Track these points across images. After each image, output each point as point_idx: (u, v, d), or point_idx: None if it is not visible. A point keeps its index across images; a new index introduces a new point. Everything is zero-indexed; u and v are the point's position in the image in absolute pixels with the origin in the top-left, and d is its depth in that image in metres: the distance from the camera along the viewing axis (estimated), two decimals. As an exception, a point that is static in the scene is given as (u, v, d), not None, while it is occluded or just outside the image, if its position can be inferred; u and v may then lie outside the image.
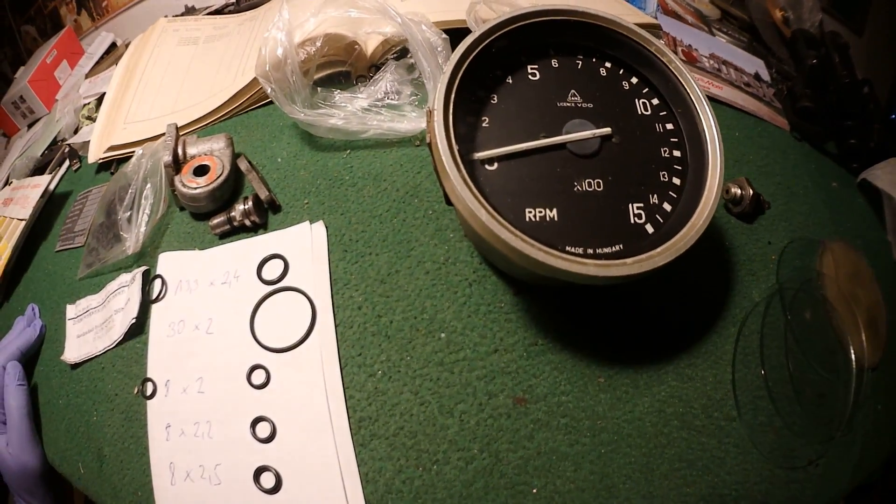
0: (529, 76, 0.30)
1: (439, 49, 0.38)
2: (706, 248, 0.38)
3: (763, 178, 0.42)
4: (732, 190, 0.39)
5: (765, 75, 0.49)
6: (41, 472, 0.36)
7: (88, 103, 0.60)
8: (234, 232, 0.39)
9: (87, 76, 0.66)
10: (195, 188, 0.39)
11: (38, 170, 0.57)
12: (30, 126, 0.69)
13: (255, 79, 0.44)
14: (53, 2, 0.77)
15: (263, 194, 0.38)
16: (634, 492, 0.29)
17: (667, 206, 0.29)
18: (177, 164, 0.41)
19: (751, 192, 0.39)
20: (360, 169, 0.39)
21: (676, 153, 0.30)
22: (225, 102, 0.45)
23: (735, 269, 0.37)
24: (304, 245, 0.36)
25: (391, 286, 0.33)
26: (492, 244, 0.24)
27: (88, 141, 0.54)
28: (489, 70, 0.29)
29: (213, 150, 0.41)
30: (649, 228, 0.28)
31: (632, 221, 0.28)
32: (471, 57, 0.27)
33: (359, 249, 0.35)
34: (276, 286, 0.35)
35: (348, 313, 0.33)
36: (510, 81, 0.29)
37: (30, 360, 0.41)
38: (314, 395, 0.31)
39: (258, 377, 0.33)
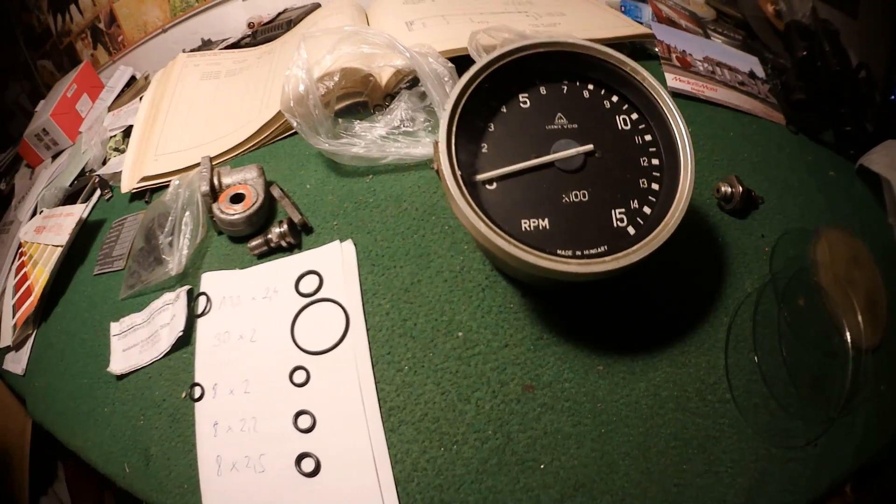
0: (521, 104, 0.38)
1: (446, 79, 0.47)
2: (700, 243, 0.45)
3: (758, 174, 0.50)
4: (723, 188, 0.46)
5: (759, 72, 0.57)
6: None
7: (115, 135, 0.71)
8: (271, 252, 0.48)
9: (109, 109, 0.77)
10: (233, 214, 0.49)
11: (68, 199, 0.67)
12: (54, 157, 0.80)
13: (279, 112, 0.54)
14: (69, 37, 0.89)
15: (297, 218, 0.47)
16: (633, 468, 0.36)
17: (647, 210, 0.36)
18: (214, 193, 0.51)
19: (741, 189, 0.46)
20: (382, 192, 0.48)
21: (655, 161, 0.38)
22: (252, 135, 0.55)
23: (728, 263, 0.44)
24: (336, 261, 0.45)
25: (414, 294, 0.42)
26: (491, 251, 0.33)
27: (118, 172, 0.65)
28: (485, 103, 0.37)
29: (246, 180, 0.51)
30: (631, 230, 0.36)
31: (615, 225, 0.36)
32: (466, 95, 0.36)
33: (384, 263, 0.44)
34: (313, 298, 0.44)
35: (377, 318, 0.42)
36: (504, 111, 0.38)
37: (77, 371, 0.50)
38: (350, 390, 0.40)
39: (299, 377, 0.42)
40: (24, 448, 0.61)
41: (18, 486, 0.60)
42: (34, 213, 0.69)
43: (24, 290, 0.58)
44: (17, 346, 0.56)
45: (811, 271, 0.46)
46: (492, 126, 0.37)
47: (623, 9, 0.61)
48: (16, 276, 0.62)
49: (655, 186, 0.37)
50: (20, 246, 0.64)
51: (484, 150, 0.36)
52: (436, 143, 0.35)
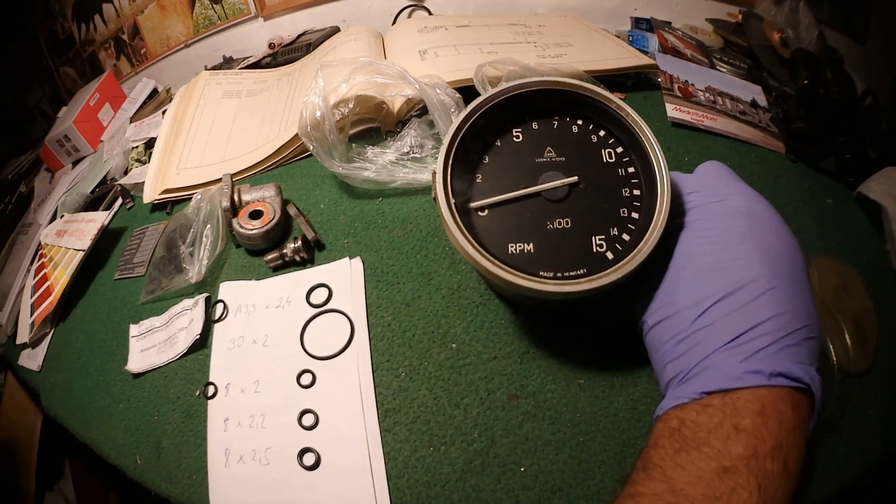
0: (514, 138, 0.47)
1: (452, 108, 0.55)
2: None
3: (751, 203, 0.56)
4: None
5: (762, 101, 0.64)
6: None
7: (137, 146, 0.82)
8: (285, 266, 0.57)
9: (131, 120, 0.88)
10: (252, 230, 0.59)
11: (90, 205, 0.78)
12: (74, 164, 0.91)
13: (297, 134, 0.64)
14: (92, 46, 1.00)
15: (310, 235, 0.56)
16: (609, 475, 0.42)
17: (625, 237, 0.44)
18: (234, 209, 0.61)
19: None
20: (390, 213, 0.57)
21: (636, 192, 0.45)
22: (271, 154, 0.65)
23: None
24: (345, 276, 0.54)
25: (414, 308, 0.51)
26: (479, 272, 0.41)
27: (139, 182, 0.75)
28: (481, 137, 0.46)
29: (265, 198, 0.61)
30: (609, 255, 0.43)
31: (594, 251, 0.43)
32: (463, 130, 0.44)
33: (389, 279, 0.53)
34: (322, 308, 0.53)
35: (380, 329, 0.50)
36: (498, 144, 0.46)
37: (94, 369, 0.59)
38: (351, 392, 0.48)
39: (306, 379, 0.50)
40: (32, 444, 0.71)
41: (25, 481, 0.69)
42: (54, 217, 0.79)
43: (44, 290, 0.68)
44: (34, 343, 0.66)
45: (797, 298, 0.52)
46: (486, 158, 0.46)
47: (631, 38, 0.69)
48: (35, 277, 0.71)
49: (635, 215, 0.45)
50: (40, 248, 0.74)
51: (478, 180, 0.45)
52: (434, 173, 0.43)
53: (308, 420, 0.48)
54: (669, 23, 0.72)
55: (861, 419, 0.46)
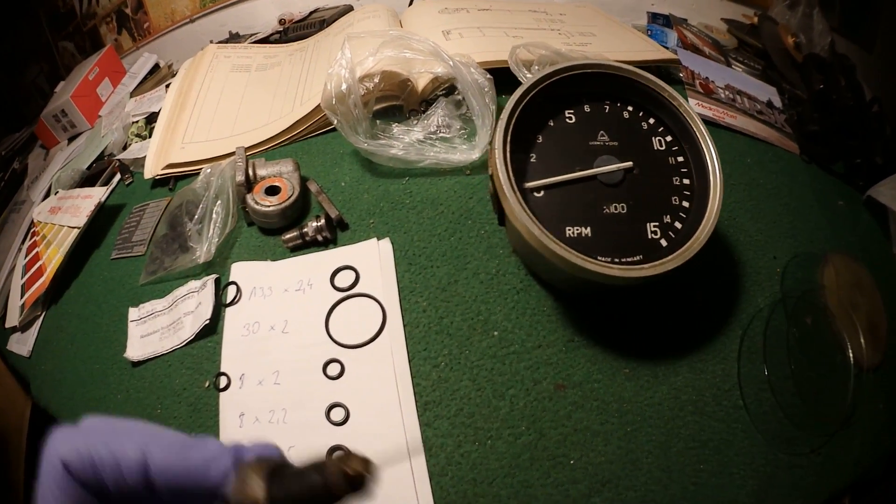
0: (566, 120, 0.43)
1: (486, 89, 0.51)
2: (717, 261, 0.50)
3: (771, 199, 0.55)
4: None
5: (777, 102, 0.62)
6: None
7: (137, 121, 0.73)
8: (305, 246, 0.51)
9: (132, 95, 0.79)
10: (268, 206, 0.52)
11: (86, 182, 0.70)
12: (70, 140, 0.83)
13: (315, 108, 0.57)
14: (93, 20, 0.91)
15: (334, 214, 0.50)
16: (655, 465, 0.40)
17: (678, 225, 0.41)
18: (248, 184, 0.54)
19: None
20: (418, 194, 0.52)
21: (686, 181, 0.43)
22: (287, 129, 0.59)
23: (743, 280, 0.49)
24: (373, 258, 0.48)
25: (451, 293, 0.46)
26: (542, 255, 0.37)
27: (139, 157, 0.68)
28: (535, 115, 0.42)
29: (282, 173, 0.54)
30: (663, 242, 0.40)
31: (649, 237, 0.40)
32: (521, 106, 0.40)
33: (421, 263, 0.48)
34: (349, 293, 0.47)
35: (414, 315, 0.45)
36: (552, 124, 0.42)
37: (89, 356, 0.51)
38: (386, 384, 0.43)
39: (333, 369, 0.45)
40: (21, 431, 0.62)
41: (14, 469, 0.61)
42: (48, 194, 0.70)
43: (35, 270, 0.60)
44: (24, 327, 0.58)
45: (818, 293, 0.51)
46: (540, 138, 0.42)
47: (650, 32, 0.67)
48: (26, 256, 0.64)
49: (686, 204, 0.42)
50: (32, 225, 0.66)
51: (532, 160, 0.41)
52: (491, 149, 0.39)
53: (337, 415, 0.43)
54: (686, 20, 0.70)
55: (872, 414, 0.45)
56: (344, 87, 0.52)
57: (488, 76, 0.52)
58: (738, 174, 0.56)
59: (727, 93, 0.61)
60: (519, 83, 0.53)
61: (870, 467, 0.44)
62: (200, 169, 0.57)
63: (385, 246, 0.49)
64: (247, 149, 0.60)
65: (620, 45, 0.61)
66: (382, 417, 0.42)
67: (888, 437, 0.45)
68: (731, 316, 0.47)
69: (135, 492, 0.21)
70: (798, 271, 0.52)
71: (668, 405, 0.42)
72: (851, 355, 0.48)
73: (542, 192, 0.40)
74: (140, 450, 0.21)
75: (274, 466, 0.22)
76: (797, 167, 0.59)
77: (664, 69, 0.62)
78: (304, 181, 0.54)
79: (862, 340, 0.50)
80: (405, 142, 0.53)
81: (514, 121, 0.40)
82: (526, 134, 0.41)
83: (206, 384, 0.47)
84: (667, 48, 0.64)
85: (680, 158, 0.44)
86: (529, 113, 0.41)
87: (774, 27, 0.66)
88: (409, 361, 0.44)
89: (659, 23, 0.68)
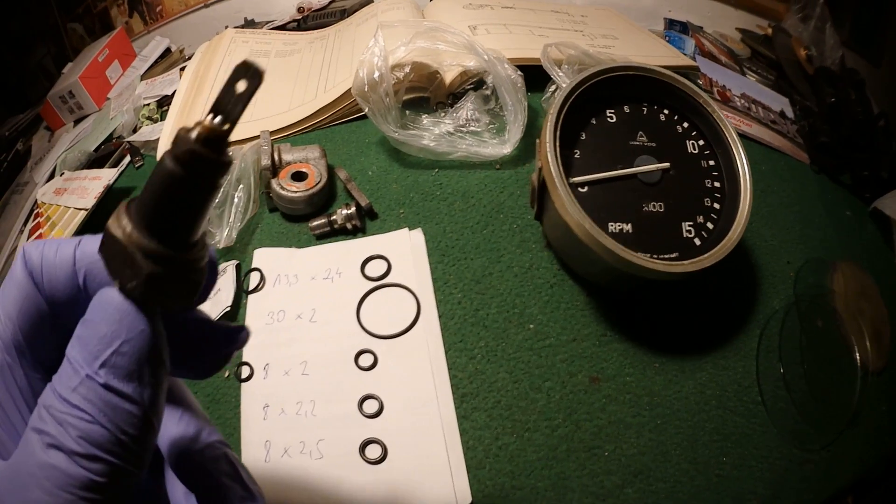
0: (608, 119, 0.43)
1: (519, 85, 0.51)
2: (737, 264, 0.51)
3: (785, 207, 0.57)
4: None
5: (789, 112, 0.64)
6: None
7: (148, 104, 0.71)
8: (332, 234, 0.50)
9: (142, 78, 0.77)
10: (295, 192, 0.51)
11: (93, 164, 0.68)
12: (76, 122, 0.80)
13: (341, 96, 0.56)
14: (104, 2, 0.87)
15: (364, 202, 0.50)
16: (683, 457, 0.41)
17: (710, 225, 0.42)
18: (274, 169, 0.53)
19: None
20: (448, 186, 0.52)
21: (717, 184, 0.44)
22: (312, 114, 0.57)
23: (760, 283, 0.51)
24: (405, 248, 0.48)
25: (486, 286, 0.46)
26: (588, 248, 0.37)
27: (149, 140, 0.66)
28: (579, 112, 0.42)
29: (308, 159, 0.53)
30: (697, 241, 0.41)
31: (684, 236, 0.41)
32: (569, 102, 0.41)
33: (455, 254, 0.48)
34: (381, 282, 0.47)
35: (449, 307, 0.45)
36: (594, 122, 0.43)
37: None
38: (421, 376, 0.42)
39: (366, 360, 0.44)
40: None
41: None
42: (52, 176, 0.68)
43: (39, 252, 0.58)
44: None
45: (828, 298, 0.53)
46: (583, 135, 0.42)
47: (667, 38, 0.68)
48: (29, 238, 0.61)
49: (717, 206, 0.43)
50: (36, 207, 0.63)
51: (577, 156, 0.41)
52: (540, 142, 0.39)
53: (371, 407, 0.42)
54: (702, 27, 0.71)
55: (875, 416, 0.47)
56: (376, 74, 0.51)
57: (519, 72, 0.53)
58: (755, 181, 0.58)
59: (743, 101, 0.62)
60: (549, 80, 0.54)
61: (873, 466, 0.46)
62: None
63: (417, 236, 0.49)
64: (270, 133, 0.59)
65: (642, 50, 0.62)
66: (418, 409, 0.41)
67: (890, 439, 0.47)
68: (750, 315, 0.49)
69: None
70: (809, 276, 0.54)
71: (694, 399, 0.43)
72: (858, 358, 0.50)
73: (585, 188, 0.40)
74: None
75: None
76: (807, 177, 0.61)
77: (682, 76, 0.63)
78: (330, 168, 0.53)
79: (868, 344, 0.52)
80: (435, 133, 0.52)
81: (562, 116, 0.40)
82: (571, 130, 0.42)
83: (227, 374, 0.45)
84: (685, 55, 0.65)
85: (711, 162, 0.45)
86: (573, 110, 0.41)
87: (788, 39, 0.68)
88: (445, 353, 0.43)
89: (676, 29, 0.69)
